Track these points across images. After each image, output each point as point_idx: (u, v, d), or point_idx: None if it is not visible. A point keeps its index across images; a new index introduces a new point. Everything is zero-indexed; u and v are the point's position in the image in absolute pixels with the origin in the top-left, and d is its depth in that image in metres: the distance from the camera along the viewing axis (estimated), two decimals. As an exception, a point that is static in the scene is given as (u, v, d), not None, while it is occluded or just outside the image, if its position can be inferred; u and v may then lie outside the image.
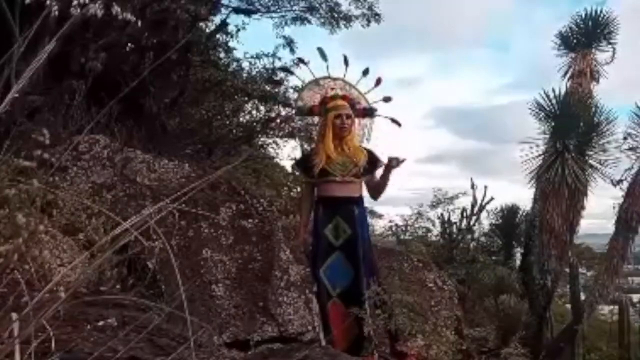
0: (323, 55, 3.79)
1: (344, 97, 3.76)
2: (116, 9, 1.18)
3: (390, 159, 3.57)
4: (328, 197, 3.61)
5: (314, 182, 3.63)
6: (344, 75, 3.84)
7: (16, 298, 1.02)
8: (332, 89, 3.79)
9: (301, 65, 4.09)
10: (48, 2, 1.12)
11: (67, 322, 1.44)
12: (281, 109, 7.38)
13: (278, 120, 4.53)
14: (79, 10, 1.11)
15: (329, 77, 3.83)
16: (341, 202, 3.59)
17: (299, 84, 6.99)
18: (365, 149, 3.75)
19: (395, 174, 3.65)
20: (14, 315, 0.89)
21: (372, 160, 3.69)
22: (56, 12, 1.12)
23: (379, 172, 3.70)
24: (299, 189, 6.79)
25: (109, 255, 1.50)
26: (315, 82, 3.83)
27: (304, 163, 3.82)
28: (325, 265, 3.54)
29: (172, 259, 2.09)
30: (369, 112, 3.85)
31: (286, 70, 4.09)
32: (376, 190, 3.74)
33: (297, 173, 3.89)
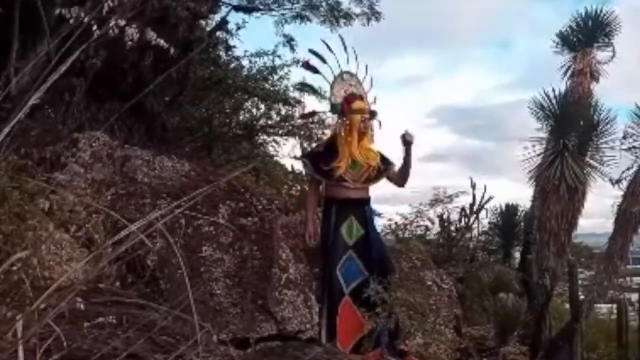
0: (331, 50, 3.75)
1: (361, 98, 3.74)
2: (151, 34, 1.20)
3: (404, 135, 3.70)
4: (342, 198, 3.63)
5: (331, 184, 3.62)
6: (357, 72, 3.80)
7: (18, 296, 1.02)
8: (351, 85, 3.77)
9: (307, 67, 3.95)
10: (86, 19, 1.14)
11: (65, 319, 1.44)
12: (281, 107, 7.39)
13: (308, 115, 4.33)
14: (116, 31, 1.14)
15: (348, 72, 3.80)
16: (355, 204, 3.64)
17: (299, 81, 6.96)
18: (374, 151, 3.76)
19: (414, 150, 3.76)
20: (15, 312, 0.90)
21: (384, 162, 3.76)
22: (97, 32, 1.14)
23: (397, 164, 3.81)
24: (298, 187, 6.79)
25: (109, 254, 1.50)
26: (341, 76, 3.79)
27: (315, 160, 3.74)
28: (341, 263, 3.57)
29: (180, 259, 2.09)
30: (373, 115, 3.85)
31: (313, 69, 3.84)
32: (403, 177, 3.86)
33: (308, 171, 3.78)
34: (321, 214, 3.83)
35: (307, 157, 3.91)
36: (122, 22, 1.07)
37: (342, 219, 3.61)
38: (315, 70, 3.82)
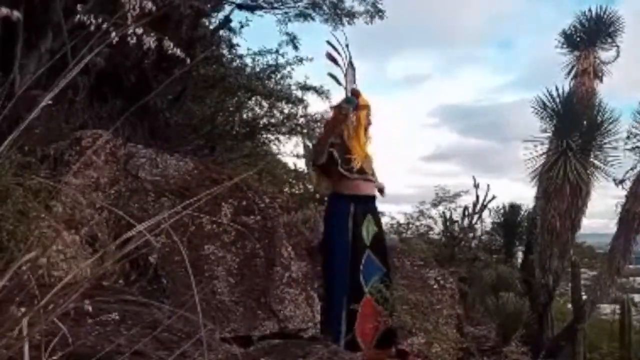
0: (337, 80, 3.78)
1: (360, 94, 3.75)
2: (168, 43, 1.21)
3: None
4: (362, 195, 3.58)
5: (352, 177, 3.56)
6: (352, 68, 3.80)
7: (23, 293, 1.03)
8: (352, 81, 3.78)
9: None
10: (104, 26, 1.14)
11: (68, 315, 1.45)
12: (284, 105, 7.39)
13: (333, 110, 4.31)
14: (134, 40, 1.15)
15: (350, 67, 3.79)
16: (371, 201, 3.63)
17: (301, 80, 6.97)
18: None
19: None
20: (22, 310, 0.90)
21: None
22: (116, 39, 1.15)
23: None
24: (301, 186, 6.79)
25: (114, 252, 1.51)
26: (348, 70, 3.77)
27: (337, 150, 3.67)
28: (362, 263, 3.56)
29: (185, 258, 2.09)
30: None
31: (335, 79, 3.85)
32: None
33: (338, 165, 3.64)
34: (331, 210, 3.74)
35: (332, 147, 3.75)
36: (140, 31, 1.08)
37: (361, 218, 3.58)
38: (336, 62, 3.79)
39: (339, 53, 3.72)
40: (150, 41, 1.15)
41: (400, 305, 3.45)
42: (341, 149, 3.64)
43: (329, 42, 3.76)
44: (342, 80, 3.76)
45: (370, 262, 3.59)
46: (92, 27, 1.13)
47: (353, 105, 3.69)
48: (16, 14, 1.06)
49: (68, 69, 1.10)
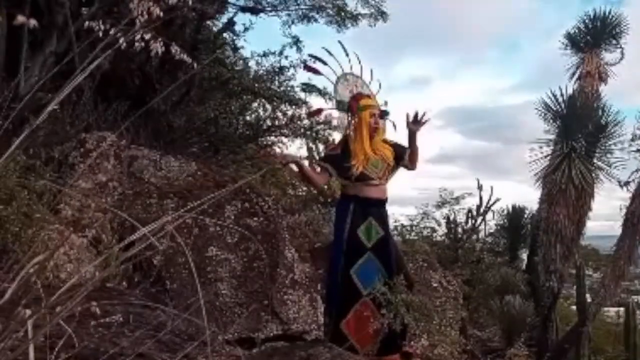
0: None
1: (369, 97, 3.73)
2: (175, 48, 1.22)
3: (409, 118, 3.59)
4: (363, 197, 3.57)
5: (350, 184, 3.57)
6: (361, 75, 3.82)
7: (27, 294, 1.03)
8: (357, 86, 3.76)
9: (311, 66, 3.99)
10: (112, 32, 1.15)
11: (72, 317, 1.45)
12: (287, 107, 7.39)
13: (319, 113, 4.27)
14: (142, 45, 1.15)
15: (352, 74, 3.79)
16: (375, 204, 3.60)
17: (304, 82, 6.96)
18: (388, 143, 3.73)
19: (421, 132, 3.61)
20: (27, 312, 0.91)
21: (399, 152, 3.71)
22: (124, 45, 1.16)
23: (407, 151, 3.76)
24: (304, 188, 6.79)
25: (119, 254, 1.52)
26: (344, 76, 3.77)
27: (333, 162, 3.69)
28: (357, 265, 3.53)
29: (190, 260, 2.10)
30: (384, 114, 3.82)
31: (314, 71, 3.86)
32: (414, 161, 3.76)
33: (331, 173, 3.69)
34: (335, 212, 3.76)
35: (326, 160, 3.79)
36: (147, 36, 1.09)
37: (360, 220, 3.56)
38: (316, 72, 3.80)
39: (325, 64, 3.73)
40: (157, 46, 1.16)
41: (404, 308, 3.43)
42: (341, 158, 3.63)
43: (311, 55, 3.79)
44: (332, 89, 3.77)
45: (370, 265, 3.56)
46: (100, 33, 1.13)
47: (343, 107, 3.69)
48: (33, 22, 1.07)
49: (75, 73, 1.11)
